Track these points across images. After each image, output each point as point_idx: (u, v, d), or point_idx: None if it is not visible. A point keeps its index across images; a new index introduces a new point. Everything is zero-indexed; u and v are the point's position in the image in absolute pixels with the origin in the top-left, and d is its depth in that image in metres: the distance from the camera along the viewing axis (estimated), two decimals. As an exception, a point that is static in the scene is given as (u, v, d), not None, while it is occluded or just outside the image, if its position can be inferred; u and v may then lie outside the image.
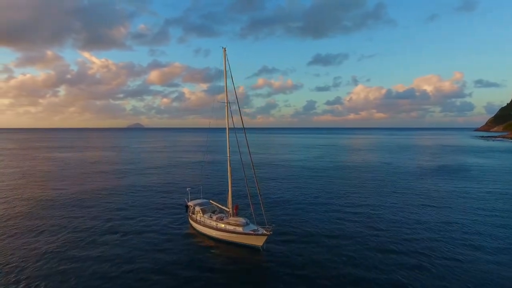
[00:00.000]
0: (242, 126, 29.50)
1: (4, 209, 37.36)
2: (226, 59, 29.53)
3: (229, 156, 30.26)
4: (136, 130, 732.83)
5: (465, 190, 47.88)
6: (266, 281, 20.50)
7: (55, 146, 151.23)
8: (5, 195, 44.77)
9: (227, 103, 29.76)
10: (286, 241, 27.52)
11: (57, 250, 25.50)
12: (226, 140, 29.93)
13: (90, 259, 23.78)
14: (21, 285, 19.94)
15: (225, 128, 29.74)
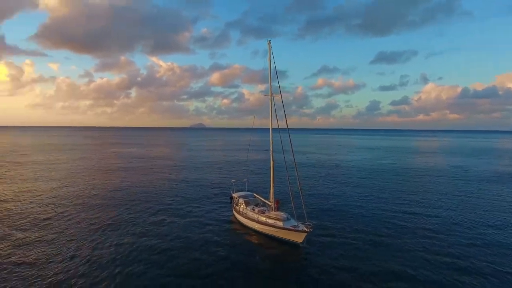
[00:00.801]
0: (286, 127, 28.66)
1: (75, 191, 42.46)
2: (271, 52, 29.46)
3: (272, 151, 30.13)
4: (198, 129, 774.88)
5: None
6: (304, 278, 19.91)
7: (126, 143, 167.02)
8: (76, 181, 50.99)
9: (271, 95, 29.59)
10: (327, 238, 26.57)
11: (117, 224, 28.50)
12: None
13: (137, 235, 25.98)
14: (94, 252, 22.42)
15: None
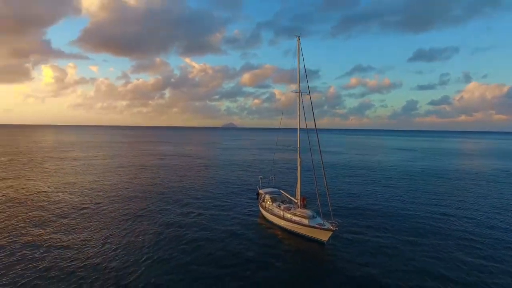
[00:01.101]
0: (315, 128, 28.22)
1: (110, 184, 44.78)
2: (299, 48, 29.20)
3: (299, 148, 29.87)
4: (229, 129, 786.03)
5: None
6: (328, 276, 19.49)
7: (159, 141, 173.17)
8: (112, 175, 53.73)
9: (299, 92, 29.34)
10: (353, 236, 25.93)
11: (147, 215, 29.78)
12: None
13: (165, 225, 26.93)
14: (124, 240, 23.58)
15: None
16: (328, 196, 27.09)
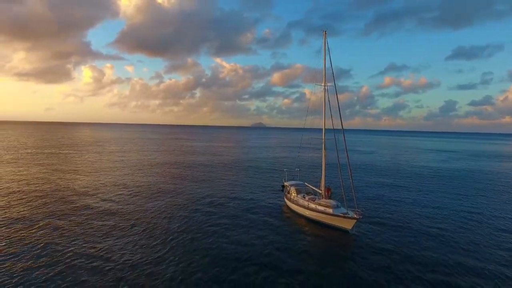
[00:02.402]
0: (341, 125, 28.55)
1: (144, 175, 47.65)
2: (326, 42, 29.78)
3: (324, 140, 30.38)
4: (259, 129, 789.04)
5: None
6: (352, 264, 19.87)
7: (191, 138, 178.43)
8: (143, 168, 56.92)
9: (325, 86, 29.90)
10: (377, 227, 26.24)
11: (174, 201, 31.78)
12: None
13: (191, 211, 28.65)
14: (151, 223, 25.65)
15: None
16: (352, 187, 27.59)
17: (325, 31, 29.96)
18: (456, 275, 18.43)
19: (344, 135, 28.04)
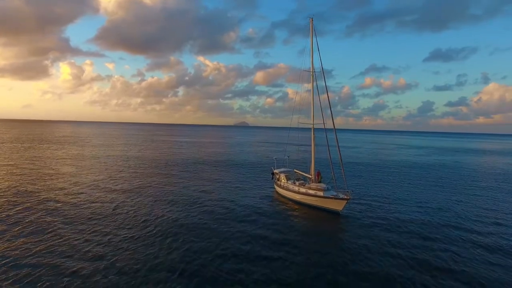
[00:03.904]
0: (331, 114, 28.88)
1: (133, 172, 46.94)
2: (313, 30, 30.25)
3: (313, 125, 30.84)
4: (242, 127, 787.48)
5: None
6: (343, 244, 20.02)
7: (175, 135, 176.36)
8: (128, 165, 56.06)
9: (312, 71, 30.33)
10: (366, 207, 27.29)
11: (167, 196, 31.82)
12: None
13: (185, 204, 28.74)
14: (149, 216, 25.44)
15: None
16: (342, 168, 28.27)
17: (312, 18, 30.24)
18: (437, 250, 19.40)
19: (332, 113, 28.49)
